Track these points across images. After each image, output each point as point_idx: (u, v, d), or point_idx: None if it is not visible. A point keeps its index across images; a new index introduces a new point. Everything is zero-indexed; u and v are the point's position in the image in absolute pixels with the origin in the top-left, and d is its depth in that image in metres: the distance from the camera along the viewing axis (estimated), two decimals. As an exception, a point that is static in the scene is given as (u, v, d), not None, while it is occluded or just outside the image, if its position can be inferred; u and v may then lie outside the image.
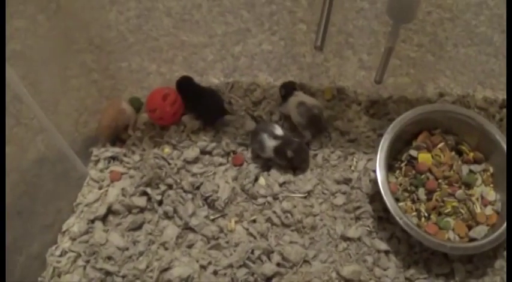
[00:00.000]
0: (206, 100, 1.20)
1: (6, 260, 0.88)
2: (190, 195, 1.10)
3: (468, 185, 1.07)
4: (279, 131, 1.13)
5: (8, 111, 0.91)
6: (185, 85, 1.22)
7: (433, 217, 1.04)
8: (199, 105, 1.20)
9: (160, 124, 1.21)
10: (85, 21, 1.30)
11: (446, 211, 1.04)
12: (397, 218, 0.97)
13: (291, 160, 1.11)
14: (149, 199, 1.10)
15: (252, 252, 1.02)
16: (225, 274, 1.00)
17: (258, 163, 1.14)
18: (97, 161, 1.18)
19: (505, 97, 1.22)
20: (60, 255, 1.06)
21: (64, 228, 1.09)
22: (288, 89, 1.20)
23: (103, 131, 1.18)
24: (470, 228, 1.03)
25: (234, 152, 1.17)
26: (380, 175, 1.01)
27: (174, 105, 1.17)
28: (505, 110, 1.20)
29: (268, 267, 0.99)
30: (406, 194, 1.07)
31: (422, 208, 1.05)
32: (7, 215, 0.90)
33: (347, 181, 1.11)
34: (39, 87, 1.02)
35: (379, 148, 1.04)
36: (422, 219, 1.04)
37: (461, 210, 1.05)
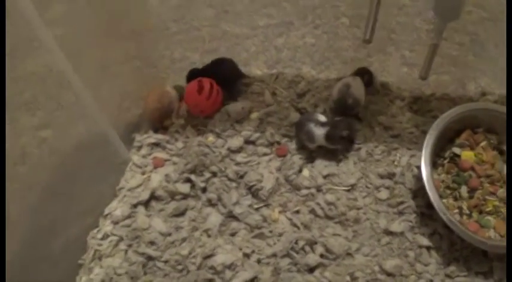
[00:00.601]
0: (219, 68, 1.22)
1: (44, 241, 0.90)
2: (234, 184, 1.10)
3: (510, 185, 1.07)
4: (322, 118, 1.13)
5: (50, 94, 0.91)
6: (194, 75, 1.23)
7: (475, 215, 1.04)
8: (215, 75, 1.21)
9: (204, 116, 1.21)
10: (126, 9, 1.31)
11: (488, 210, 1.04)
12: (441, 214, 0.97)
13: (348, 138, 1.12)
14: (193, 186, 1.11)
15: (296, 243, 1.02)
16: (268, 263, 1.01)
17: (302, 154, 1.14)
18: (140, 147, 1.18)
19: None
20: (102, 238, 1.06)
21: (106, 211, 1.10)
22: (357, 73, 1.20)
23: (149, 114, 1.18)
24: (511, 227, 1.03)
25: (278, 143, 1.17)
26: (425, 171, 1.01)
27: (211, 95, 1.17)
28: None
29: (312, 258, 1.00)
30: (448, 191, 1.07)
31: (464, 206, 1.05)
32: (46, 197, 0.91)
33: (390, 176, 1.11)
34: (82, 73, 1.02)
35: (424, 144, 1.04)
36: (464, 216, 1.04)
37: (502, 210, 1.04)
